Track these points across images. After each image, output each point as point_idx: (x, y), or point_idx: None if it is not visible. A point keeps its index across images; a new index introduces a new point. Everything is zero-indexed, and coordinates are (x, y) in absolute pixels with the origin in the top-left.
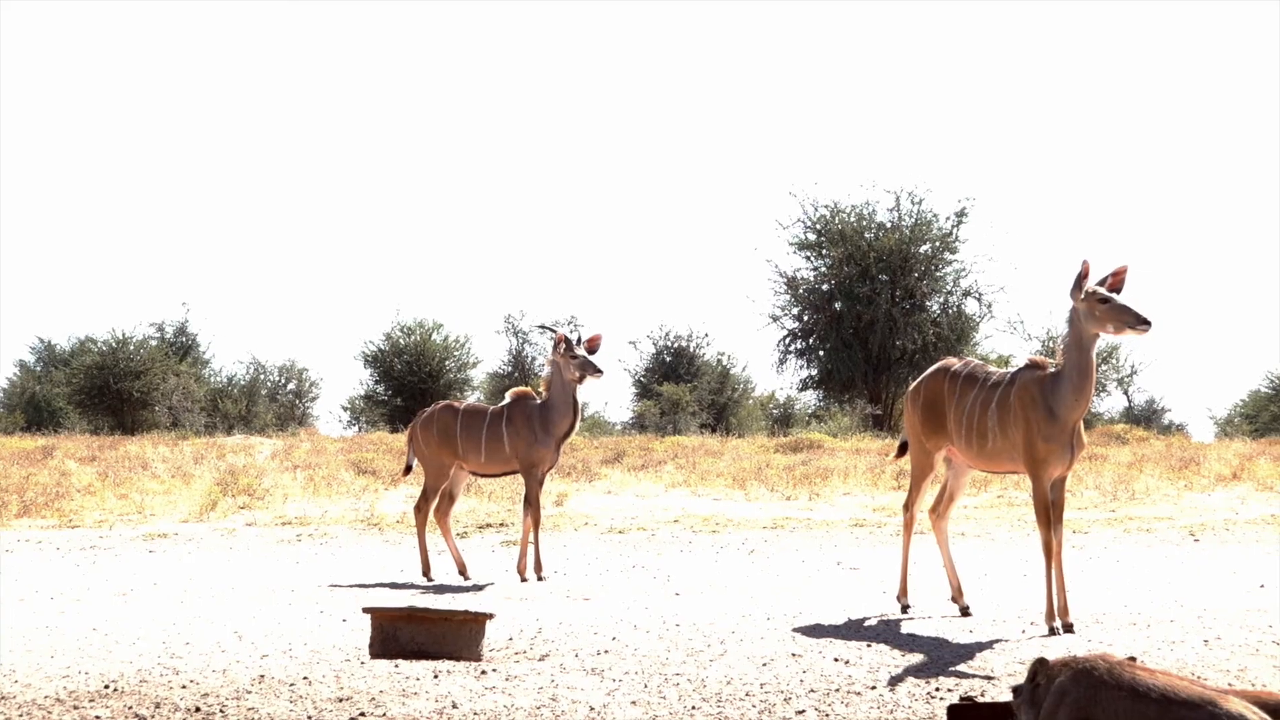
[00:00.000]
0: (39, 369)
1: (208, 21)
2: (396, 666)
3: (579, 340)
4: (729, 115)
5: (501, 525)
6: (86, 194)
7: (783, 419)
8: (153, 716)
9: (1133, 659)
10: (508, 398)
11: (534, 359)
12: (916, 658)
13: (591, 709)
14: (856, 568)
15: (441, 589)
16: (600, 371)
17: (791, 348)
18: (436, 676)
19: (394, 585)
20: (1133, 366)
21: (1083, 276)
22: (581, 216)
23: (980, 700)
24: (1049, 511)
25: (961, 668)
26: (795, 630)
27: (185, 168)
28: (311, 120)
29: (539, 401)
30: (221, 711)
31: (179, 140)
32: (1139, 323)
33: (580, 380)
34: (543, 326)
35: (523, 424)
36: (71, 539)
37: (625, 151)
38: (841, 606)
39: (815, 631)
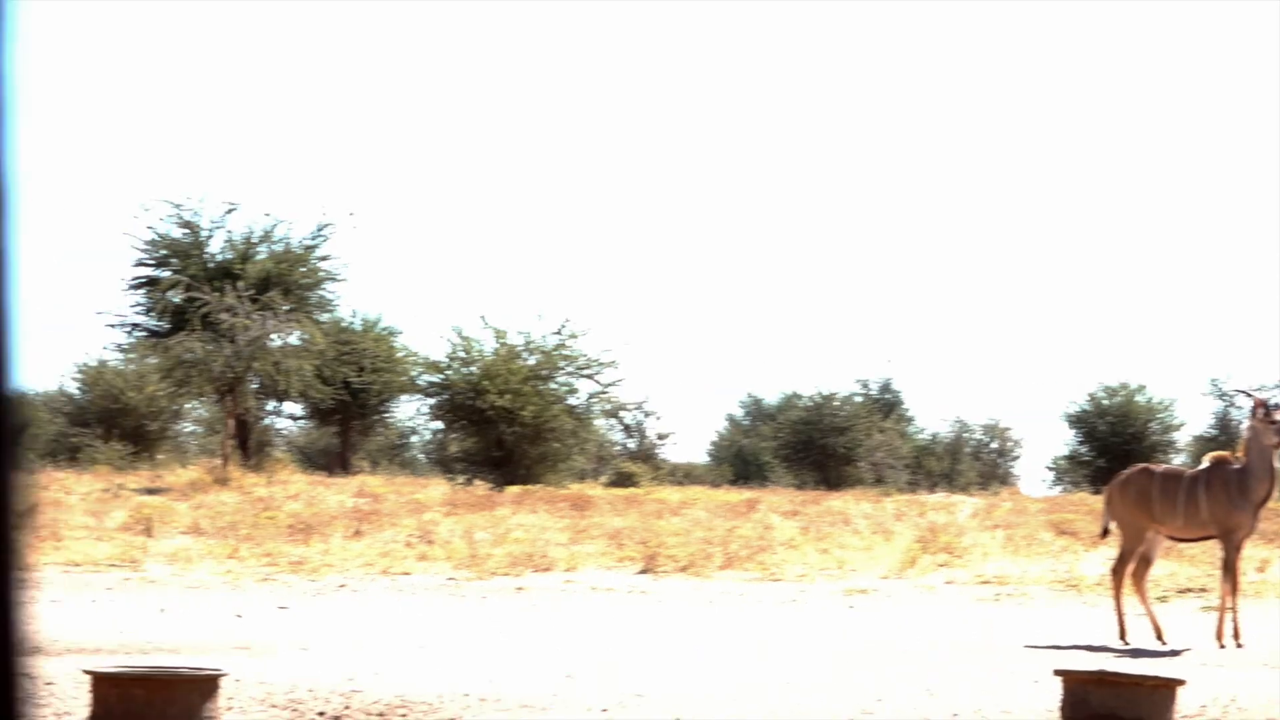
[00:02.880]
0: (747, 423)
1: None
2: None
3: (1278, 405)
4: None
5: (1201, 590)
6: (790, 257)
7: None
8: None
9: None
10: (1205, 462)
11: (1240, 423)
12: None
13: None
14: None
15: (1137, 653)
16: None
17: None
18: None
19: (1089, 648)
20: None
21: None
22: None
23: None
24: None
25: None
26: None
27: (890, 234)
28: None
29: (1236, 466)
30: None
31: (872, 209)
32: None
33: (1278, 446)
34: (1242, 391)
35: (1220, 489)
36: (772, 592)
37: None
38: None
39: None
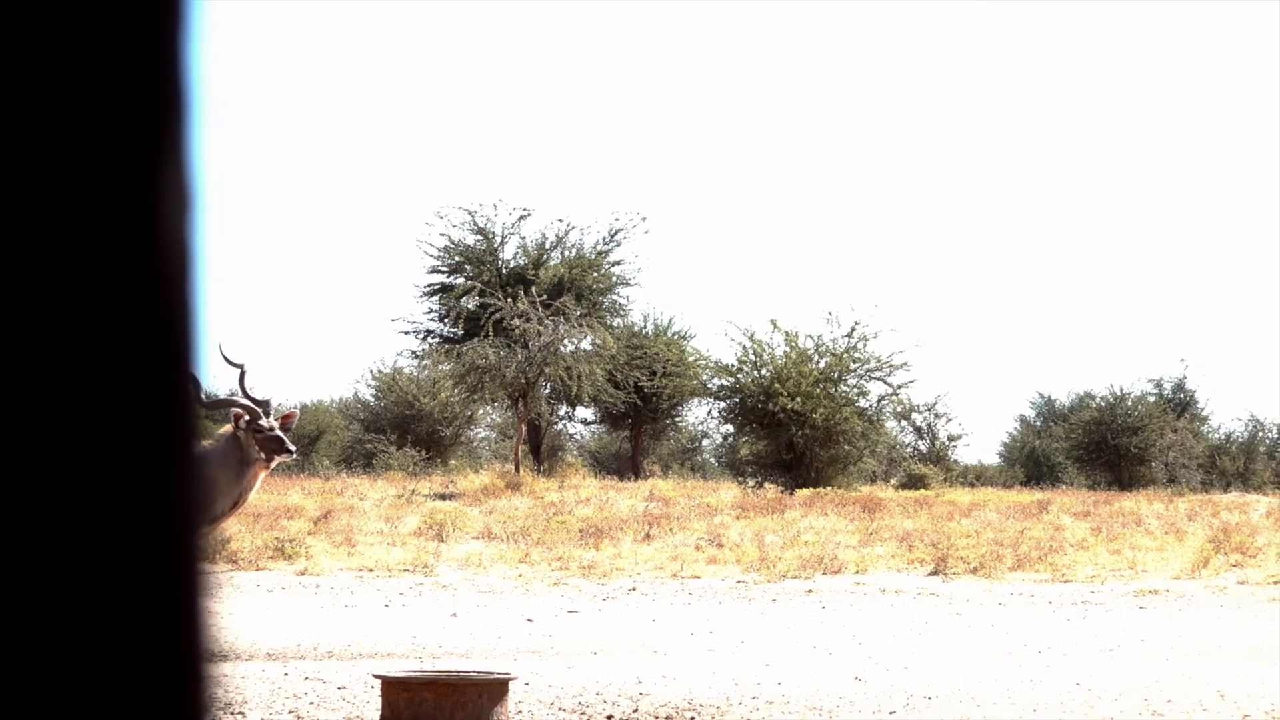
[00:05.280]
0: (1039, 424)
1: None
2: None
3: None
4: None
5: None
6: (1079, 257)
7: None
8: None
9: None
10: None
11: None
12: None
13: None
14: None
15: None
16: None
17: None
18: None
19: None
20: None
21: None
22: None
23: None
24: None
25: None
26: None
27: (1184, 233)
28: None
29: None
30: None
31: (1162, 207)
32: None
33: None
34: None
35: None
36: (1063, 593)
37: None
38: None
39: None
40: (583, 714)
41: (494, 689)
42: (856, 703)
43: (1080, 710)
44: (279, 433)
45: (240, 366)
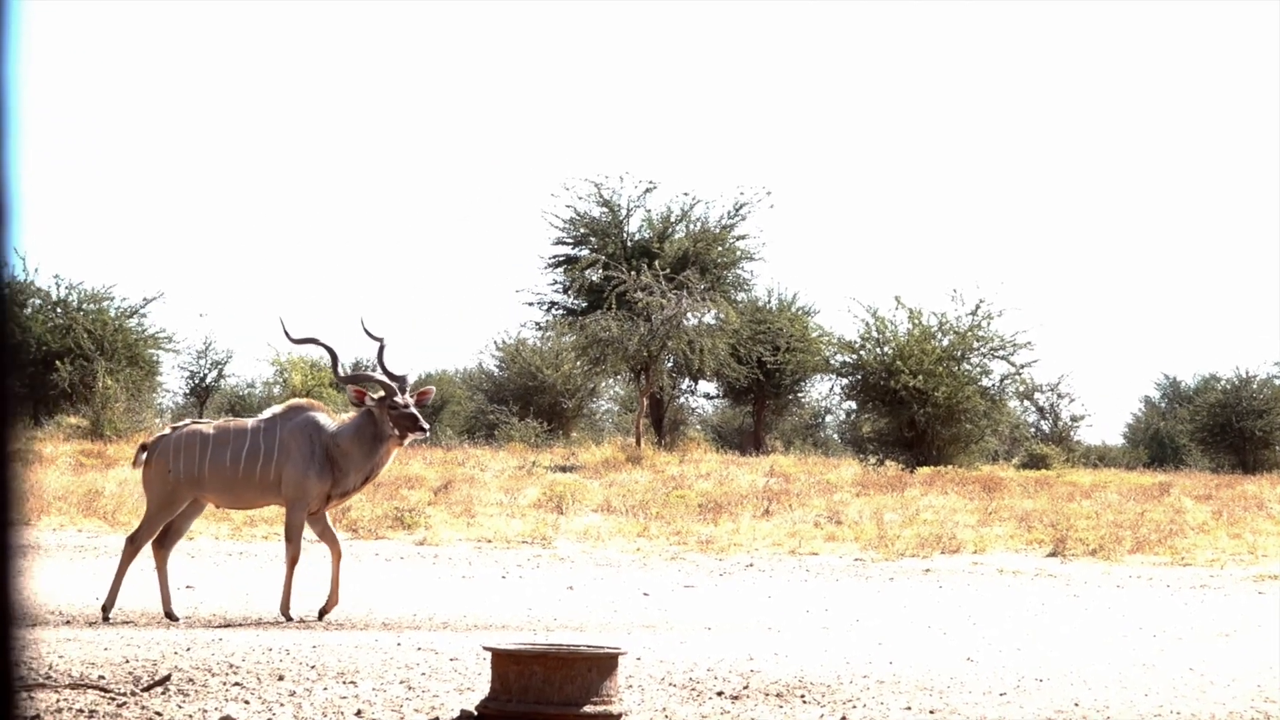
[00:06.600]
0: (1163, 406)
1: None
2: None
3: None
4: None
5: None
6: (1206, 238)
7: None
8: None
9: None
10: None
11: None
12: None
13: None
14: None
15: None
16: None
17: None
18: None
19: None
20: None
21: None
22: None
23: None
24: None
25: None
26: None
27: None
28: None
29: None
30: None
31: None
32: None
33: None
34: None
35: None
36: (1181, 577)
37: None
38: None
39: None
40: (692, 689)
41: (604, 663)
42: (967, 683)
43: (1192, 695)
44: (413, 409)
45: (380, 341)
